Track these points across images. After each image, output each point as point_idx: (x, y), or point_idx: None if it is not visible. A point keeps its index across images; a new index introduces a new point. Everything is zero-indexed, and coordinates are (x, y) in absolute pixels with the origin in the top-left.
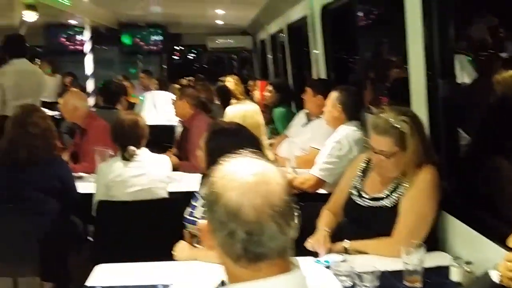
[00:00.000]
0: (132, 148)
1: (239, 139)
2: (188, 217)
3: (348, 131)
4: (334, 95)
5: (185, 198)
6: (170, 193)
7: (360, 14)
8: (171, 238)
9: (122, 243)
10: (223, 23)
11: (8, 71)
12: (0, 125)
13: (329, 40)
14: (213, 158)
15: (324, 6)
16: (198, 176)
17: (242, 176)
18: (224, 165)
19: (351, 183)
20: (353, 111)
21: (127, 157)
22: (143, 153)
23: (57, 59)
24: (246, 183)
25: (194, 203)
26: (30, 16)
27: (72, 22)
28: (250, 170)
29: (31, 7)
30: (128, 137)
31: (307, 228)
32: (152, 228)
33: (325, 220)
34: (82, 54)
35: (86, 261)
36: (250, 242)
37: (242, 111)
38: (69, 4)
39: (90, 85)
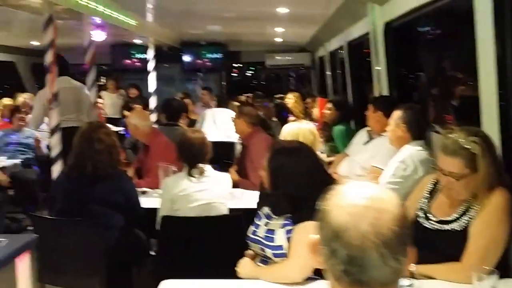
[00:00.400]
0: (201, 165)
1: (300, 158)
2: (252, 236)
3: (413, 150)
4: (397, 113)
5: (246, 215)
6: (231, 210)
7: (424, 29)
8: (233, 255)
9: (185, 259)
10: (282, 40)
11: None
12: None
13: (392, 56)
14: (276, 177)
15: (387, 23)
16: (258, 194)
17: (354, 197)
18: (341, 186)
19: (418, 205)
20: (418, 130)
21: (194, 174)
22: (207, 170)
23: (121, 76)
24: (356, 205)
25: (257, 222)
26: (99, 36)
27: (137, 41)
28: (364, 193)
29: (99, 27)
30: (196, 155)
31: None
32: (214, 245)
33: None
34: (145, 72)
35: (148, 275)
36: (351, 265)
37: (296, 129)
38: (135, 24)
39: (152, 102)
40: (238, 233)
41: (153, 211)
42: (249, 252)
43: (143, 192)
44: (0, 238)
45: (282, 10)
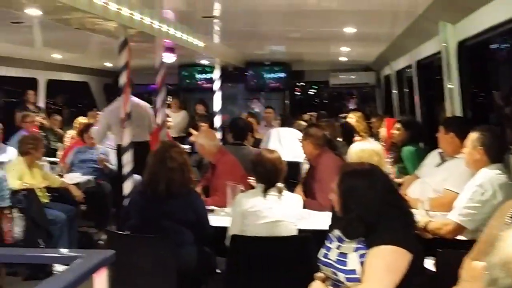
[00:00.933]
0: (280, 185)
1: (372, 180)
2: (323, 258)
3: (491, 174)
4: (474, 135)
5: (315, 236)
6: (299, 231)
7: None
8: (301, 277)
9: (254, 278)
10: (346, 59)
11: (114, 108)
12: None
13: (466, 75)
14: (348, 200)
15: (461, 41)
16: (326, 215)
17: None
18: None
19: (498, 231)
20: (496, 153)
21: (272, 193)
22: (284, 189)
23: (187, 96)
24: None
25: (328, 245)
26: (169, 58)
27: (203, 62)
28: None
29: (170, 49)
30: (274, 175)
31: (445, 277)
32: (283, 265)
33: (470, 272)
34: (210, 91)
35: None
36: None
37: (359, 151)
38: (203, 46)
39: (217, 121)
40: (307, 254)
41: (220, 229)
42: (320, 275)
43: (211, 211)
44: (78, 254)
45: (350, 30)
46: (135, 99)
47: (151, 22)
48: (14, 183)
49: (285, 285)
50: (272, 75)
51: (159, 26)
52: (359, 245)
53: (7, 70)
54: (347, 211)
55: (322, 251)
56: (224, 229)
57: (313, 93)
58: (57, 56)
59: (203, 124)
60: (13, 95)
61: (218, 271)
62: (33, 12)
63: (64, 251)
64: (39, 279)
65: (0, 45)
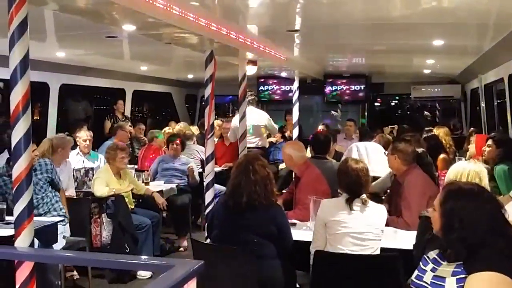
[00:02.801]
0: (365, 196)
1: (481, 201)
2: (416, 280)
3: None
4: None
5: (401, 256)
6: (385, 250)
7: None
8: None
9: None
10: (430, 71)
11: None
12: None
13: None
14: (449, 219)
15: None
16: (412, 234)
17: None
18: None
19: None
20: None
21: (356, 204)
22: (368, 200)
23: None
24: None
25: (423, 267)
26: (251, 70)
27: (282, 74)
28: None
29: (252, 62)
30: (359, 185)
31: None
32: (368, 284)
33: None
34: (287, 103)
35: None
36: None
37: (460, 169)
38: (283, 58)
39: (296, 132)
40: (394, 273)
41: (303, 244)
42: None
43: (292, 224)
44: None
45: (437, 42)
46: (253, 111)
47: (236, 36)
48: (103, 190)
49: None
50: (351, 87)
51: (244, 39)
52: (457, 269)
53: (99, 81)
54: (449, 231)
55: (416, 272)
56: (306, 244)
57: (393, 105)
58: (143, 68)
59: (277, 134)
60: (102, 105)
61: (297, 286)
62: (128, 27)
63: (157, 259)
64: (124, 282)
65: (94, 57)
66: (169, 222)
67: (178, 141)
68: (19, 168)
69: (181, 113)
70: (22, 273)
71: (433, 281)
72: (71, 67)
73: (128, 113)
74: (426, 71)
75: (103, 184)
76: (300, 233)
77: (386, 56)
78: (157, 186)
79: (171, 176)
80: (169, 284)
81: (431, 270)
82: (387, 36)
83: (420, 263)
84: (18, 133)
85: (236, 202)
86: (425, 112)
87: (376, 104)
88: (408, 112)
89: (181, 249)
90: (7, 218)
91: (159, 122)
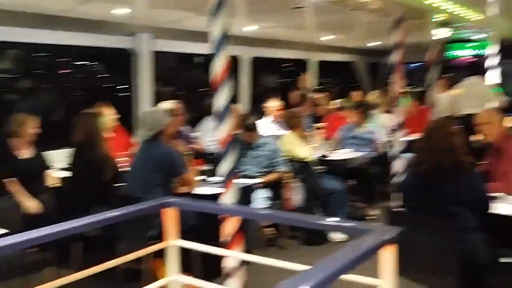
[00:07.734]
0: None
1: None
2: None
3: None
4: None
5: None
6: None
7: None
8: None
9: None
10: None
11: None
12: None
13: None
14: None
15: None
16: None
17: None
18: None
19: None
20: None
21: None
22: None
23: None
24: None
25: None
26: (443, 33)
27: (473, 37)
28: None
29: (443, 24)
30: None
31: None
32: None
33: None
34: (474, 68)
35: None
36: None
37: None
38: (479, 19)
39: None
40: None
41: (505, 218)
42: None
43: (493, 197)
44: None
45: None
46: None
47: None
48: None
49: None
50: None
51: (432, 1)
52: None
53: (284, 53)
54: None
55: None
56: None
57: None
58: (325, 38)
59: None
60: (287, 76)
61: (502, 260)
62: None
63: (356, 223)
64: (315, 244)
65: (279, 29)
66: (355, 190)
67: (362, 110)
68: (222, 133)
69: (363, 82)
70: (230, 227)
71: None
72: (259, 41)
73: (311, 83)
74: None
75: (295, 149)
76: (504, 206)
77: None
78: (346, 154)
79: (358, 145)
80: (368, 246)
81: None
82: None
83: None
84: (220, 100)
85: (425, 169)
86: None
87: None
88: None
89: (369, 217)
90: (214, 179)
91: (342, 91)
